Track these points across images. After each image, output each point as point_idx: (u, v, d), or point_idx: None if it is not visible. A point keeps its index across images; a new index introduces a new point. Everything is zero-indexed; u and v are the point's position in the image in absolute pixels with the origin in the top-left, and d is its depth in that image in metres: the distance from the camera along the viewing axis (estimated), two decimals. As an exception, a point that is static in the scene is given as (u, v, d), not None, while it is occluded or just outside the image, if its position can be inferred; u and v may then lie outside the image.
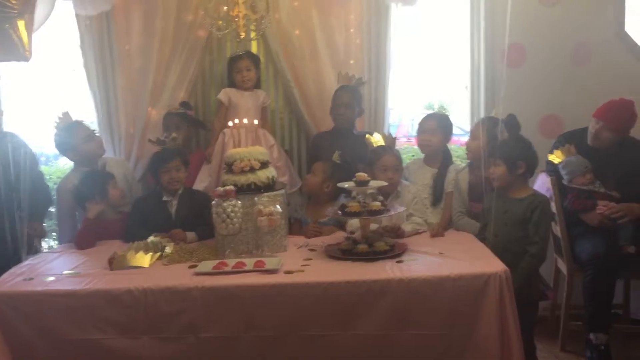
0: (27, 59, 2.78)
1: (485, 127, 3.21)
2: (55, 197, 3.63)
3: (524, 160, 2.96)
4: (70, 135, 3.44)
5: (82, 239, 3.13)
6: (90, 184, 3.24)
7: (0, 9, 2.66)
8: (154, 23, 3.82)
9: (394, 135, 3.57)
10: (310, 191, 3.47)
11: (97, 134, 3.63)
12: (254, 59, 3.80)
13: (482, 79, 3.93)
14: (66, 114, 3.49)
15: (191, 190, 3.39)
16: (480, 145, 3.14)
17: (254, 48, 3.93)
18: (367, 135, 3.44)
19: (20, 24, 2.71)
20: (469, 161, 3.43)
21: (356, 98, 3.71)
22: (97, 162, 3.50)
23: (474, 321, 2.41)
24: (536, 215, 2.89)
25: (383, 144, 3.39)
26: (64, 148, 3.50)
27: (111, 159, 3.72)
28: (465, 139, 4.71)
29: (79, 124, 3.51)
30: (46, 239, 3.55)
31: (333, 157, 3.43)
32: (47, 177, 4.43)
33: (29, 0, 2.73)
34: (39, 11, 2.90)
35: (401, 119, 6.83)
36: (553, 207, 3.27)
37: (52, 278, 2.60)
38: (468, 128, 4.20)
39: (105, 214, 3.27)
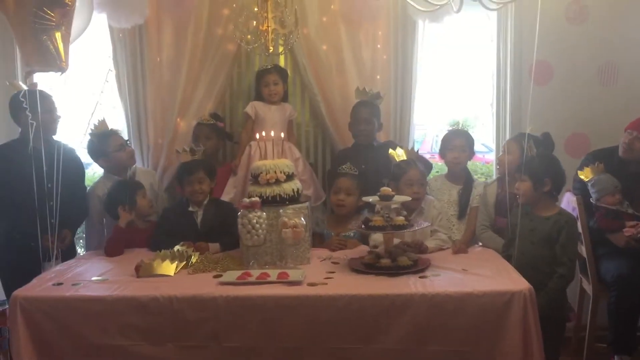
0: (63, 70, 2.86)
1: (519, 143, 3.21)
2: None
3: (550, 177, 2.96)
4: (104, 143, 3.54)
5: (111, 246, 3.19)
6: (120, 193, 3.31)
7: (38, 20, 2.75)
8: (185, 36, 3.88)
9: (418, 151, 3.58)
10: (350, 211, 3.39)
11: (129, 144, 3.72)
12: (282, 73, 3.85)
13: (508, 96, 3.94)
14: (103, 122, 3.59)
15: (217, 201, 3.43)
16: (512, 160, 3.17)
17: (281, 62, 3.98)
18: (390, 151, 3.46)
19: (58, 36, 2.79)
20: (498, 176, 3.43)
21: (375, 113, 3.71)
22: (126, 172, 3.57)
23: (496, 339, 2.40)
24: (563, 236, 2.88)
25: (405, 158, 3.39)
26: (96, 155, 3.59)
27: (139, 168, 3.79)
28: (490, 156, 4.72)
29: (114, 133, 3.60)
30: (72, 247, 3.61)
31: (344, 169, 3.43)
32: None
33: (66, 12, 2.81)
34: (76, 23, 2.98)
35: (425, 135, 6.83)
36: (579, 226, 3.24)
37: (80, 284, 2.66)
38: (493, 146, 4.20)
39: (134, 222, 3.33)
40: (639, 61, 3.88)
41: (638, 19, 3.87)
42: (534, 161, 2.99)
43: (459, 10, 2.67)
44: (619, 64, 3.89)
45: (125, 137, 3.80)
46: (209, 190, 3.37)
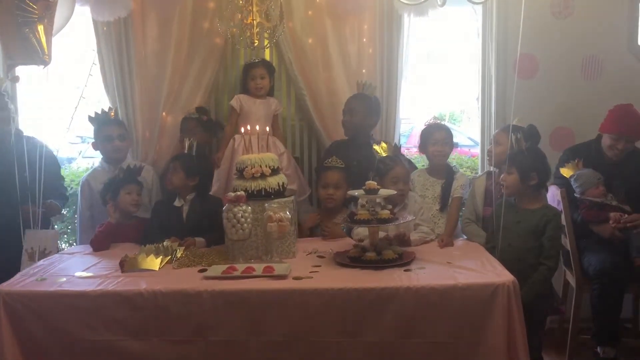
0: (46, 63, 2.84)
1: (508, 134, 3.23)
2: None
3: (536, 172, 2.99)
4: (96, 131, 3.62)
5: (99, 241, 3.19)
6: (107, 187, 3.35)
7: (21, 13, 2.72)
8: (169, 30, 3.86)
9: (405, 145, 3.58)
10: (338, 204, 3.40)
11: (128, 138, 3.76)
12: (269, 67, 3.84)
13: (493, 90, 3.95)
14: (115, 111, 3.72)
15: (203, 195, 3.39)
16: (503, 151, 3.19)
17: (267, 56, 3.96)
18: (374, 146, 3.45)
19: (40, 29, 2.77)
20: (490, 169, 3.44)
21: (366, 106, 3.67)
22: (118, 162, 3.62)
23: (481, 331, 2.42)
24: (551, 229, 2.92)
25: (387, 153, 3.39)
26: (97, 139, 3.67)
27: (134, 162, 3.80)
28: (476, 150, 4.74)
29: (119, 122, 3.70)
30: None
31: (330, 162, 3.43)
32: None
33: (49, 5, 2.79)
34: (58, 16, 2.95)
35: (412, 128, 6.86)
36: (563, 219, 3.27)
37: (64, 279, 2.65)
38: (478, 139, 4.22)
39: (121, 218, 3.34)
40: (624, 55, 3.91)
41: (622, 13, 3.90)
42: (523, 154, 3.02)
43: (443, 4, 2.67)
44: (604, 58, 3.92)
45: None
46: (183, 185, 3.31)
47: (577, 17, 3.89)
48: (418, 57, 4.19)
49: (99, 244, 3.18)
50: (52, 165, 3.45)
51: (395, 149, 3.45)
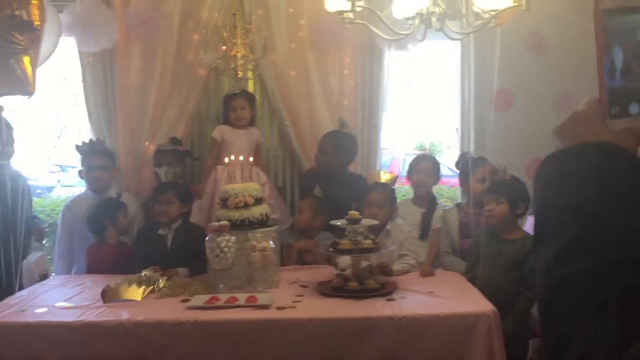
0: (30, 94, 2.85)
1: (469, 165, 3.32)
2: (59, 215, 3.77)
3: (523, 200, 3.02)
4: (91, 157, 3.64)
5: (100, 263, 3.24)
6: (106, 209, 3.38)
7: (7, 44, 2.74)
8: (153, 61, 3.89)
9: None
10: (301, 229, 3.49)
11: (115, 168, 3.76)
12: (249, 97, 3.88)
13: (471, 121, 4.04)
14: (103, 141, 3.74)
15: (188, 225, 3.42)
16: (472, 184, 3.27)
17: (250, 87, 4.02)
18: (376, 171, 3.50)
19: (26, 60, 2.79)
20: (457, 202, 3.51)
21: (336, 144, 3.68)
22: (105, 191, 3.64)
23: (462, 360, 2.44)
24: (532, 259, 2.93)
25: (387, 179, 3.45)
26: (83, 167, 3.67)
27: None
28: (456, 180, 4.82)
29: (104, 153, 3.70)
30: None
31: (315, 192, 3.50)
32: (41, 209, 4.49)
33: (35, 36, 2.81)
34: (44, 47, 2.98)
35: (392, 158, 6.94)
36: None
37: (44, 310, 2.61)
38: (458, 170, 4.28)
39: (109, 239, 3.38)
40: (595, 91, 4.02)
41: (595, 51, 4.02)
42: (508, 183, 3.08)
43: (423, 39, 2.75)
44: (576, 95, 4.02)
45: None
46: (179, 214, 3.37)
47: (550, 54, 4.01)
48: (399, 88, 4.27)
49: (100, 267, 3.22)
50: (28, 193, 3.45)
51: (393, 180, 3.51)
